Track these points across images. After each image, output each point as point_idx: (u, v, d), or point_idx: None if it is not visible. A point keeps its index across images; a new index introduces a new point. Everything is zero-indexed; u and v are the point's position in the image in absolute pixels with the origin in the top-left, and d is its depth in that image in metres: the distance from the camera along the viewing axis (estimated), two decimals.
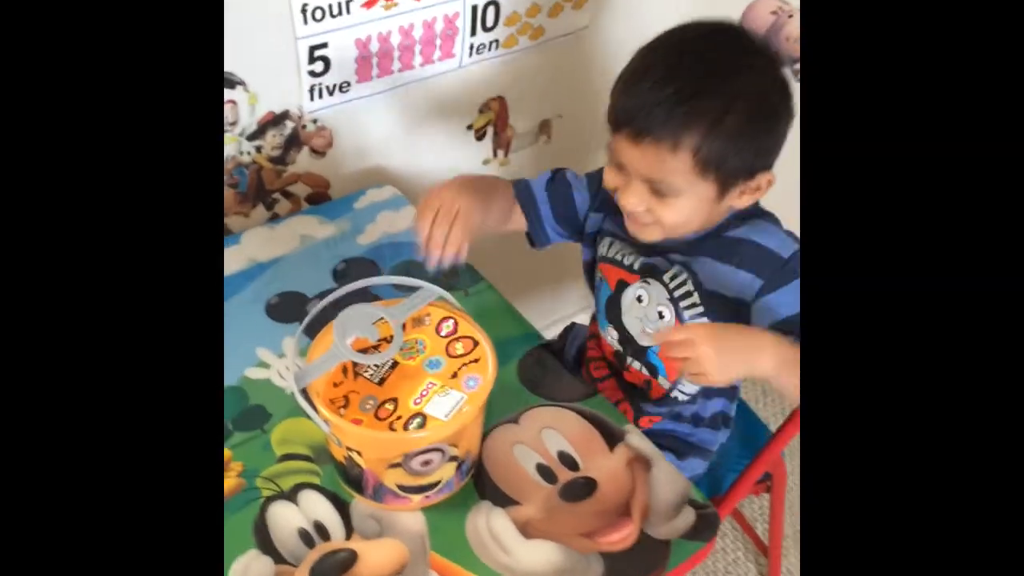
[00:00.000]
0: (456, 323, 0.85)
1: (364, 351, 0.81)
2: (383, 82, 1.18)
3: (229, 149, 1.11)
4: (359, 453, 0.78)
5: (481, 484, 0.85)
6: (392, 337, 0.81)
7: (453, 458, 0.80)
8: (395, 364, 0.82)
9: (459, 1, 1.17)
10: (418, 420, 0.77)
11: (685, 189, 0.84)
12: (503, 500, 0.84)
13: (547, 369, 0.97)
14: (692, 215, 0.87)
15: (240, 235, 1.12)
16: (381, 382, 0.80)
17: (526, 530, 0.82)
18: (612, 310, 1.00)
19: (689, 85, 0.81)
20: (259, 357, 0.96)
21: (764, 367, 0.78)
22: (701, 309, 0.92)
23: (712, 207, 0.87)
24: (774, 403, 1.65)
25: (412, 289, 0.86)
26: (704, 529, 0.83)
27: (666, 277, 0.93)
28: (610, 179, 0.90)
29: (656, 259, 0.94)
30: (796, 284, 0.86)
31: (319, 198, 1.24)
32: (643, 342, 0.98)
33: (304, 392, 0.77)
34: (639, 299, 0.96)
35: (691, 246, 0.92)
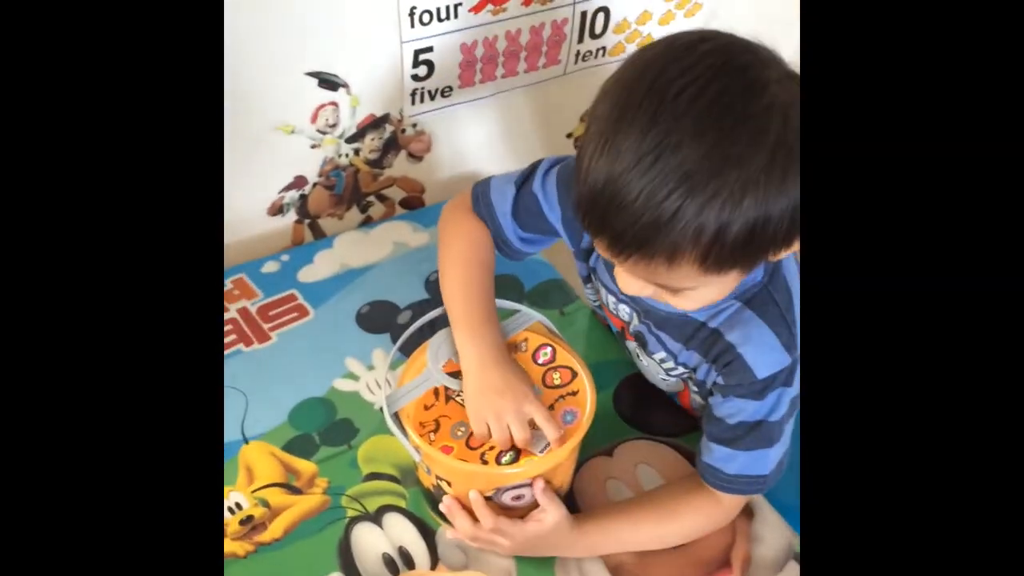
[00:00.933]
0: (554, 351, 0.80)
1: (457, 374, 0.78)
2: (485, 88, 1.15)
3: (328, 151, 1.09)
4: (449, 483, 0.75)
5: None
6: None
7: None
8: None
9: (568, 7, 1.12)
10: (511, 453, 0.73)
11: (699, 286, 0.66)
12: None
13: (644, 399, 0.92)
14: (716, 297, 0.70)
15: (333, 239, 1.11)
16: None
17: (618, 574, 0.78)
18: (622, 343, 0.92)
19: (682, 165, 0.56)
20: (348, 368, 0.94)
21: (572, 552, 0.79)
22: (696, 390, 0.84)
23: (739, 280, 0.69)
24: None
25: (509, 312, 0.82)
26: None
27: (656, 357, 0.83)
28: (602, 252, 0.66)
29: (647, 332, 0.81)
30: (750, 403, 0.74)
31: (413, 203, 1.22)
32: (659, 386, 0.91)
33: (396, 417, 0.74)
34: (638, 357, 0.88)
35: (680, 327, 0.77)
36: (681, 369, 0.81)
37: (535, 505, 0.76)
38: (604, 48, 1.20)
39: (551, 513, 0.74)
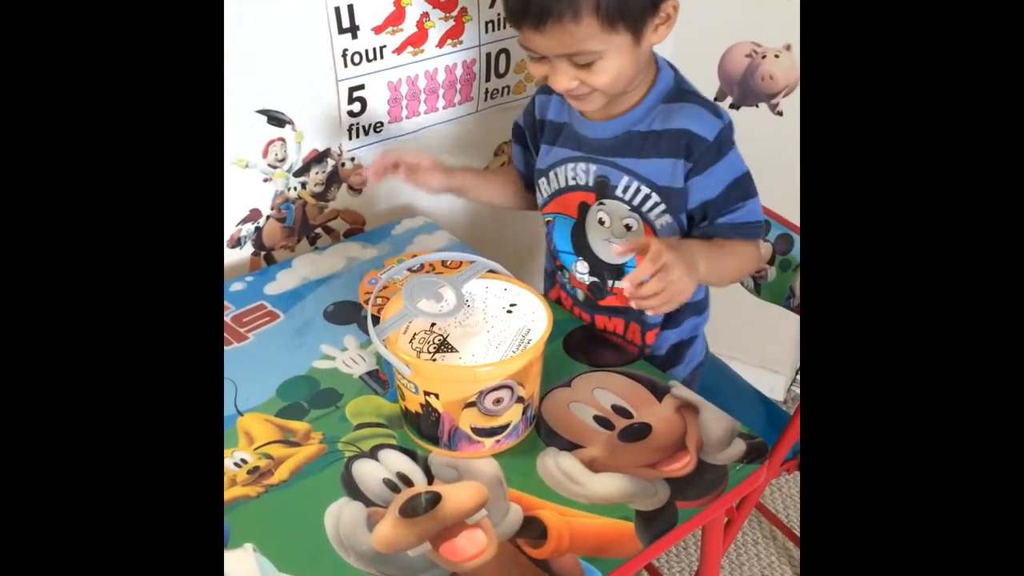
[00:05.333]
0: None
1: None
2: (411, 123, 1.31)
3: (278, 184, 1.22)
4: (436, 396, 0.85)
5: (545, 434, 0.92)
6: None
7: (520, 399, 0.87)
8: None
9: (475, 49, 1.31)
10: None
11: (604, 49, 0.88)
12: (567, 445, 0.90)
13: (591, 342, 1.05)
14: (621, 71, 0.91)
15: (291, 260, 1.21)
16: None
17: (592, 466, 0.88)
18: (579, 240, 1.05)
19: None
20: (323, 351, 1.04)
21: (702, 273, 0.91)
22: (664, 207, 0.98)
23: (635, 55, 0.91)
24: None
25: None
26: (756, 455, 0.90)
27: (619, 192, 0.99)
28: (535, 71, 0.93)
29: (605, 169, 0.99)
30: (719, 165, 0.94)
31: (355, 234, 1.34)
32: (614, 260, 1.03)
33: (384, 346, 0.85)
34: (601, 222, 1.02)
35: (628, 143, 0.97)
36: (644, 190, 0.98)
37: (514, 411, 0.86)
38: (508, 87, 1.39)
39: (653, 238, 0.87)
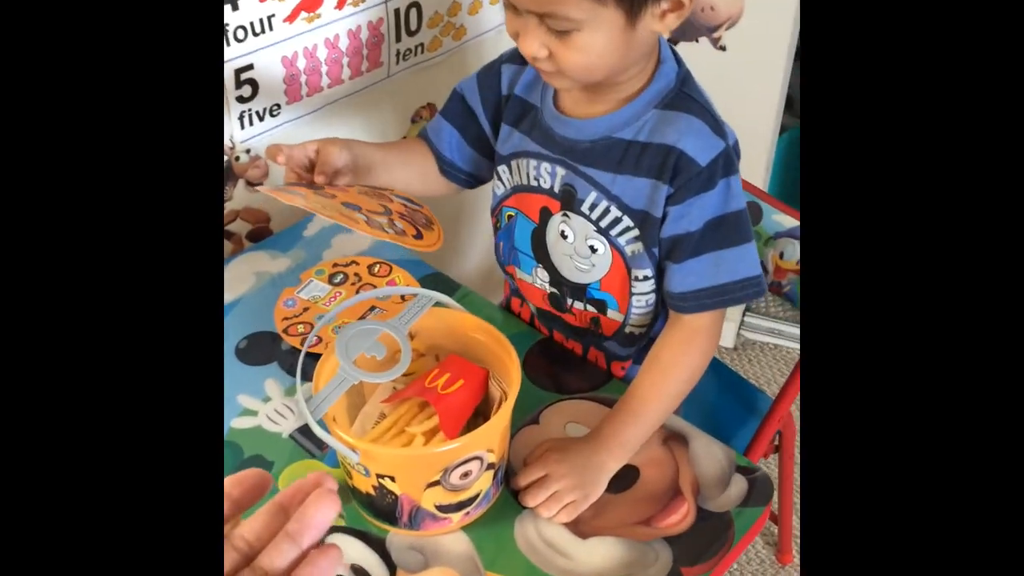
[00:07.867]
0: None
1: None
2: (314, 100, 1.11)
3: None
4: (392, 479, 0.70)
5: (519, 493, 0.79)
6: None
7: (490, 466, 0.73)
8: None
9: (381, 6, 1.11)
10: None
11: (585, 19, 0.70)
12: None
13: (553, 362, 0.92)
14: (603, 53, 0.73)
15: None
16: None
17: (580, 530, 0.76)
18: (539, 247, 0.90)
19: None
20: (242, 405, 0.87)
21: (615, 467, 0.79)
22: (636, 233, 0.82)
23: (627, 39, 0.73)
24: (772, 362, 1.65)
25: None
26: (759, 493, 0.79)
27: (585, 208, 0.83)
28: (509, 25, 0.76)
29: (573, 177, 0.83)
30: (706, 196, 0.78)
31: (261, 233, 1.16)
32: (577, 279, 0.89)
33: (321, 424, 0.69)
34: (563, 235, 0.87)
35: (606, 152, 0.80)
36: (615, 212, 0.82)
37: (484, 480, 0.73)
38: (422, 44, 1.20)
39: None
